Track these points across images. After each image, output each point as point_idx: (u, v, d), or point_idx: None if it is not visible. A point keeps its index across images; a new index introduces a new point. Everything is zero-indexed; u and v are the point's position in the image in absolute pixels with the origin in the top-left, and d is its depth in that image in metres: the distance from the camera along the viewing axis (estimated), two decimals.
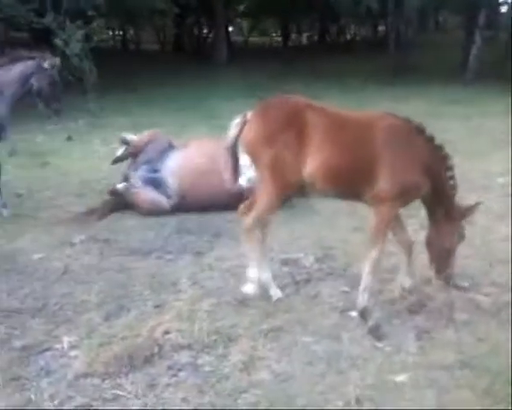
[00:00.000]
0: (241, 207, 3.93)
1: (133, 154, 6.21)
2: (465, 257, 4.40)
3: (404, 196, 3.63)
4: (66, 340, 3.47)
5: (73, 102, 12.84)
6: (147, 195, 5.90)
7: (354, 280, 4.17)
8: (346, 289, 4.10)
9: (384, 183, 3.52)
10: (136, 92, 16.00)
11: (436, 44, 26.41)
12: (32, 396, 2.97)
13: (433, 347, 3.40)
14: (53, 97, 5.77)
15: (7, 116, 5.79)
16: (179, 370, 3.16)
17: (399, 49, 22.16)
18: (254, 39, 47.73)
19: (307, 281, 4.23)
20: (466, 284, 4.15)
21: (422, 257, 4.17)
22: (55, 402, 2.90)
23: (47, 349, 3.39)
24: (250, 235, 3.81)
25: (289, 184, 3.63)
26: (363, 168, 3.54)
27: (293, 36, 45.40)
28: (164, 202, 5.90)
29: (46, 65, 5.66)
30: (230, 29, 46.07)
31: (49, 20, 11.14)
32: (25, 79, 5.66)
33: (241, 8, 40.69)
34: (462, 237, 3.91)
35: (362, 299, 3.62)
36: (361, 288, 3.64)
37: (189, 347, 3.35)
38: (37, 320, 3.70)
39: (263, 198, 3.68)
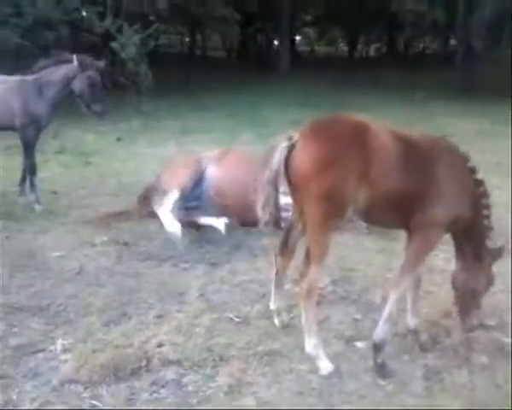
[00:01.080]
0: (300, 269, 3.36)
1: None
2: (495, 292, 4.04)
3: (452, 224, 3.32)
4: (60, 343, 3.44)
5: (128, 104, 13.21)
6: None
7: (368, 308, 3.94)
8: (358, 316, 3.86)
9: (439, 209, 3.22)
10: (192, 97, 16.20)
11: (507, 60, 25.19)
12: (14, 397, 2.95)
13: (441, 390, 3.11)
14: (94, 99, 5.83)
15: (48, 116, 5.94)
16: (162, 386, 3.04)
17: (468, 63, 21.29)
18: (321, 49, 47.58)
19: (318, 303, 3.98)
20: (491, 323, 3.81)
21: (448, 288, 3.88)
22: (33, 405, 2.86)
23: (40, 350, 3.38)
24: (312, 300, 3.20)
25: (343, 215, 3.14)
26: (422, 193, 3.22)
27: (361, 47, 44.84)
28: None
29: (88, 68, 5.74)
30: (297, 38, 46.25)
31: (107, 23, 11.44)
32: (66, 82, 5.80)
33: (309, 17, 40.67)
34: (491, 281, 3.53)
35: (381, 330, 3.26)
36: (383, 317, 3.28)
37: (178, 363, 3.23)
38: (37, 320, 3.71)
39: (317, 240, 3.14)
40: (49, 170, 7.94)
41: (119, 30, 11.75)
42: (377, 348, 3.26)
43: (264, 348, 3.40)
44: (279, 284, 3.67)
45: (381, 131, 3.20)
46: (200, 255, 4.94)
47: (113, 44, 11.50)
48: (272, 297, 3.68)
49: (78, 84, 5.82)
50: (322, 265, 3.22)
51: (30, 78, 5.84)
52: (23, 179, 6.14)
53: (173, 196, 5.34)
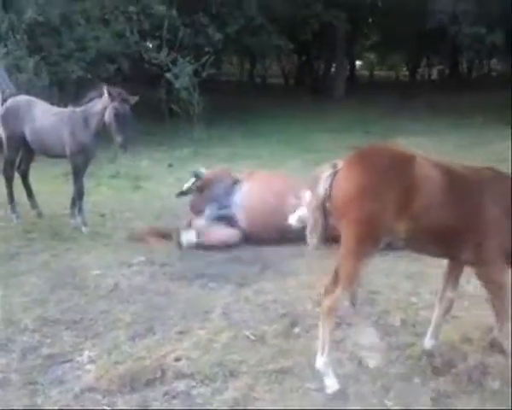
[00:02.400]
0: (325, 286, 3.31)
1: (200, 189, 6.39)
2: None
3: (505, 257, 3.26)
4: (86, 354, 3.69)
5: (182, 132, 13.77)
6: (217, 233, 6.01)
7: (385, 331, 3.94)
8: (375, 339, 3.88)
9: (491, 242, 3.20)
10: (245, 124, 16.60)
11: None
12: (39, 402, 3.21)
13: None
14: (118, 130, 6.05)
15: (93, 145, 6.38)
16: (173, 397, 3.21)
17: None
18: (381, 73, 47.25)
19: (337, 324, 4.05)
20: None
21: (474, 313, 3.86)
22: None
23: (68, 360, 3.64)
24: (331, 319, 3.26)
25: (377, 245, 3.21)
26: (468, 227, 3.21)
27: (422, 70, 44.17)
28: (235, 235, 6.02)
29: (115, 99, 6.04)
30: (358, 63, 46.24)
31: (163, 55, 12.06)
32: (104, 113, 6.17)
33: (369, 42, 40.65)
34: None
35: None
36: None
37: (191, 376, 3.39)
38: (69, 332, 3.99)
39: (348, 265, 3.18)
40: (101, 193, 8.45)
41: (174, 61, 12.32)
42: None
43: (275, 366, 3.49)
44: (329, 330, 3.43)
45: (426, 162, 3.21)
46: (228, 275, 5.11)
47: (168, 75, 12.08)
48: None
49: (106, 115, 6.13)
50: (348, 289, 3.31)
51: (78, 109, 6.32)
52: (73, 203, 6.58)
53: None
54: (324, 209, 3.26)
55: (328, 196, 3.22)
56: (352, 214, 3.11)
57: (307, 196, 5.71)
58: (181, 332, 4.00)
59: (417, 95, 24.20)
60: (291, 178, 6.86)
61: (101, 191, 8.52)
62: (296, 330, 4.01)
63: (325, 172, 3.23)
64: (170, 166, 11.07)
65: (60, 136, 6.32)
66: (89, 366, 3.56)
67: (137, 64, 14.35)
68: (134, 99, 6.21)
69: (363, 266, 3.26)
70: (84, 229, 6.38)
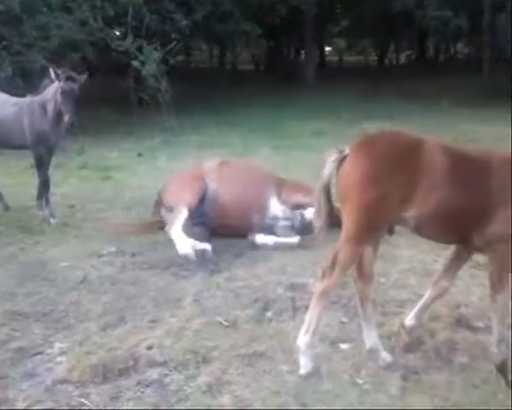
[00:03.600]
0: (323, 269, 3.27)
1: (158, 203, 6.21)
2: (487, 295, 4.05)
3: None
4: (57, 346, 3.65)
5: (150, 120, 13.61)
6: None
7: (354, 312, 3.99)
8: (345, 320, 3.94)
9: (501, 224, 3.15)
10: (216, 112, 16.49)
11: None
12: (11, 396, 3.16)
13: (417, 390, 3.16)
14: (65, 109, 5.89)
15: (54, 133, 6.22)
16: (146, 386, 3.20)
17: (497, 68, 20.99)
18: (350, 59, 47.47)
19: (307, 307, 4.08)
20: (480, 324, 3.83)
21: None
22: (25, 404, 3.06)
23: (39, 353, 3.59)
24: (323, 301, 3.28)
25: (379, 233, 3.23)
26: (479, 210, 3.17)
27: (390, 55, 44.53)
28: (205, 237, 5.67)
29: (62, 80, 5.88)
30: (327, 49, 46.35)
31: (128, 42, 11.87)
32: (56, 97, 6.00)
33: (338, 28, 40.73)
34: None
35: (498, 352, 3.23)
36: (494, 341, 3.25)
37: (164, 364, 3.39)
38: (39, 325, 3.93)
39: (347, 250, 3.16)
40: (70, 185, 8.31)
41: (140, 49, 12.14)
42: (502, 369, 3.24)
43: (248, 350, 3.52)
44: (368, 317, 3.46)
45: (434, 147, 3.17)
46: (200, 264, 5.10)
47: (134, 62, 11.90)
48: (364, 333, 3.49)
49: (55, 94, 6.00)
50: (345, 274, 3.33)
51: (36, 98, 6.18)
52: (40, 195, 6.46)
53: (183, 215, 5.52)
54: (328, 193, 3.27)
55: (334, 181, 3.22)
56: (354, 200, 3.11)
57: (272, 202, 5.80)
58: (153, 321, 3.99)
59: (387, 80, 24.46)
60: (259, 168, 6.80)
61: (70, 183, 8.38)
62: (268, 314, 4.04)
63: (331, 157, 3.23)
64: (139, 155, 10.94)
65: (20, 126, 6.18)
66: (60, 358, 3.52)
67: (103, 52, 14.08)
68: (82, 78, 6.06)
69: (369, 254, 3.28)
70: (52, 221, 6.27)
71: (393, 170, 3.07)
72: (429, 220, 3.16)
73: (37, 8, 12.11)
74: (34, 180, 6.77)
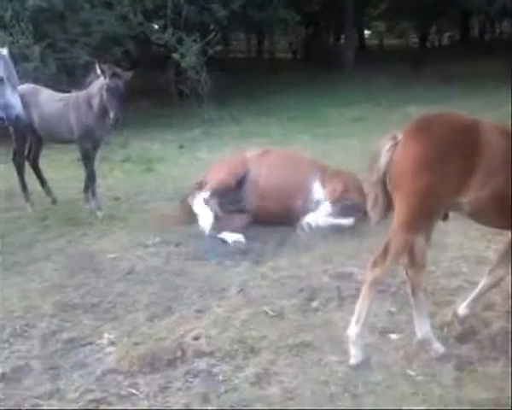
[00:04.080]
0: (374, 257, 3.17)
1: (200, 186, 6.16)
2: None
3: None
4: (106, 336, 3.70)
5: (191, 112, 13.69)
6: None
7: (403, 301, 3.88)
8: (393, 309, 3.84)
9: None
10: (255, 102, 16.43)
11: None
12: (62, 386, 3.22)
13: (471, 381, 3.05)
14: (110, 106, 5.97)
15: (100, 127, 6.31)
16: (195, 376, 3.21)
17: None
18: (391, 42, 46.39)
19: (355, 297, 4.00)
20: None
21: None
22: (76, 394, 3.12)
23: (89, 343, 3.65)
24: (373, 289, 3.20)
25: (438, 213, 3.10)
26: None
27: (432, 37, 43.30)
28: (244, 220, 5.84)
29: (107, 77, 5.94)
30: (366, 32, 45.45)
31: (168, 35, 11.93)
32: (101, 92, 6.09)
33: (377, 11, 39.87)
34: None
35: None
36: None
37: (211, 354, 3.39)
38: (88, 316, 4.00)
39: (399, 238, 3.07)
40: (114, 177, 8.44)
41: (180, 41, 12.19)
42: None
43: (295, 340, 3.48)
44: (420, 306, 3.35)
45: (491, 129, 3.05)
46: (244, 253, 5.09)
47: (174, 55, 11.97)
48: (416, 323, 3.38)
49: (100, 91, 6.07)
50: (396, 262, 3.24)
51: (82, 93, 6.29)
52: (86, 187, 6.58)
53: (206, 193, 5.72)
54: (385, 185, 3.16)
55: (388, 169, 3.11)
56: (407, 187, 3.01)
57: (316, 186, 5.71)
58: (199, 311, 4.00)
59: (429, 62, 23.77)
60: (302, 155, 6.70)
61: (115, 175, 8.52)
62: (314, 304, 3.99)
63: (385, 145, 3.12)
64: (181, 147, 11.02)
65: (66, 121, 6.32)
66: (109, 349, 3.57)
67: (144, 46, 14.22)
68: (127, 75, 6.13)
69: (421, 242, 3.17)
70: (98, 213, 6.37)
71: (449, 154, 2.94)
72: (487, 205, 3.03)
73: (79, 5, 12.33)
74: (80, 174, 6.93)
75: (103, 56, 13.05)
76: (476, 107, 13.07)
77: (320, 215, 5.53)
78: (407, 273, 3.33)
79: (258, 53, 37.03)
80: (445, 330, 3.56)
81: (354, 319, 3.22)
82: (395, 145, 3.09)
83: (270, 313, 3.86)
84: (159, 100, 16.13)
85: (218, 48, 13.82)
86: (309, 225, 5.47)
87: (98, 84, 6.09)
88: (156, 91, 17.32)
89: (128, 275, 4.70)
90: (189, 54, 11.82)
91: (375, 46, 42.81)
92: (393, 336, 3.52)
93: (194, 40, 12.06)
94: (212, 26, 14.07)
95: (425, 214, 3.06)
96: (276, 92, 17.97)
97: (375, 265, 3.20)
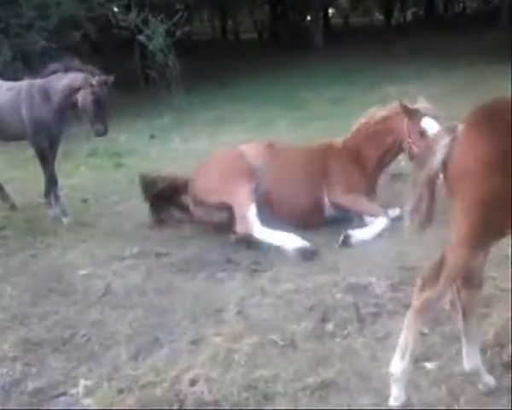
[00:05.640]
0: (423, 277, 2.58)
1: None
2: None
3: None
4: (82, 383, 3.03)
5: (160, 98, 12.84)
6: None
7: (435, 319, 3.32)
8: (425, 330, 3.26)
9: None
10: (225, 86, 15.68)
11: None
12: None
13: None
14: (97, 118, 5.31)
15: (56, 124, 5.54)
16: None
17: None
18: (355, 20, 45.96)
19: (376, 316, 3.44)
20: None
21: None
22: None
23: (61, 394, 2.97)
24: (422, 317, 2.60)
25: (501, 234, 2.51)
26: None
27: (397, 14, 43.08)
28: None
29: (94, 82, 5.24)
30: (330, 11, 44.79)
31: (132, 16, 11.05)
32: (69, 92, 5.36)
33: None
34: None
35: None
36: None
37: (216, 404, 2.76)
38: (58, 356, 3.30)
39: (458, 256, 2.48)
40: (80, 175, 7.66)
41: (145, 22, 11.32)
42: None
43: (316, 379, 2.86)
44: (471, 333, 2.79)
45: None
46: (237, 262, 4.46)
47: (140, 37, 11.10)
48: (464, 352, 2.82)
49: (82, 99, 5.33)
50: (452, 285, 2.65)
51: (37, 82, 5.47)
52: (48, 192, 5.78)
53: (253, 211, 4.61)
54: (434, 189, 2.55)
55: (444, 169, 2.49)
56: (472, 194, 2.37)
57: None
58: (193, 342, 3.35)
59: (396, 39, 23.39)
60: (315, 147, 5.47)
61: (81, 172, 7.73)
62: (329, 327, 3.38)
63: (442, 140, 2.49)
64: (152, 137, 10.25)
65: (17, 114, 5.47)
66: (87, 400, 2.90)
67: (106, 29, 13.25)
68: (110, 79, 5.41)
69: (481, 258, 2.58)
70: (64, 219, 5.61)
71: None
72: None
73: None
74: (41, 172, 6.14)
75: (61, 41, 12.14)
76: (460, 83, 12.75)
77: (373, 231, 4.73)
78: (459, 295, 2.75)
79: (223, 34, 36.11)
80: (489, 353, 3.02)
81: (398, 353, 2.62)
82: (454, 140, 2.47)
83: (280, 342, 3.24)
84: (124, 86, 15.15)
85: (186, 28, 12.92)
86: (363, 240, 4.64)
87: (66, 79, 5.32)
88: (121, 77, 16.34)
89: (103, 297, 4.00)
90: (156, 36, 10.94)
91: (340, 25, 42.36)
92: (430, 366, 2.96)
93: (161, 20, 11.17)
94: (177, 6, 13.23)
95: (494, 228, 2.43)
96: (246, 75, 17.25)
97: (423, 288, 2.58)
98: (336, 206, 5.00)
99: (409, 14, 42.96)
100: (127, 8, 12.68)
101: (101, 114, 5.32)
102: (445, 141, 2.46)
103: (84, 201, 6.38)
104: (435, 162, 2.48)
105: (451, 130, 2.48)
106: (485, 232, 2.42)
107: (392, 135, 4.95)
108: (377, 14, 46.10)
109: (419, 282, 2.60)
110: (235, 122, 10.75)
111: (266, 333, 3.33)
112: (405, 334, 2.60)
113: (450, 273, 2.49)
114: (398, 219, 4.69)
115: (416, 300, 2.58)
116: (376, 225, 4.72)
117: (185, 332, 3.47)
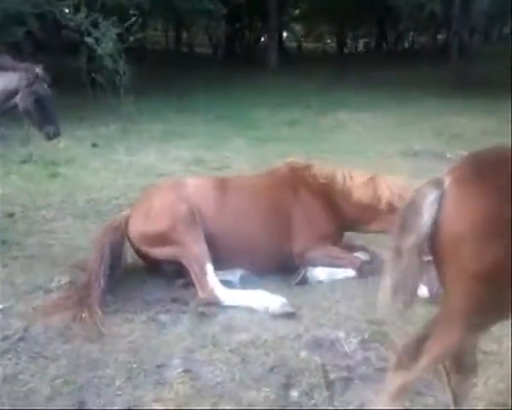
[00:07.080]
0: (399, 355, 2.16)
1: None
2: None
3: None
4: None
5: (107, 106, 12.05)
6: None
7: (417, 391, 2.85)
8: (407, 403, 2.78)
9: None
10: (176, 97, 15.06)
11: (501, 55, 24.19)
12: None
13: None
14: (44, 119, 4.67)
15: None
16: None
17: (461, 58, 20.57)
18: (308, 45, 46.53)
19: (347, 381, 2.93)
20: None
21: None
22: None
23: None
24: (398, 402, 2.15)
25: (505, 310, 2.03)
26: None
27: (349, 42, 43.96)
28: None
29: (35, 81, 4.59)
30: (284, 34, 45.16)
31: (81, 16, 10.30)
32: (7, 95, 4.65)
33: (296, 12, 39.63)
34: None
35: None
36: None
37: None
38: None
39: (450, 332, 2.04)
40: (10, 184, 6.81)
41: (95, 24, 10.59)
42: None
43: None
44: None
45: None
46: (183, 302, 3.85)
47: (88, 39, 10.35)
48: None
49: (23, 101, 4.65)
50: (436, 366, 2.24)
51: None
52: None
53: (211, 275, 3.87)
54: (422, 252, 2.06)
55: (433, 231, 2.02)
56: (469, 264, 1.92)
57: None
58: None
59: (348, 68, 23.62)
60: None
61: (11, 181, 6.87)
62: (294, 394, 2.85)
63: (429, 195, 2.03)
64: (94, 146, 9.46)
65: None
66: None
67: (52, 28, 12.38)
68: (41, 73, 4.72)
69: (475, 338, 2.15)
70: None
71: None
72: None
73: None
74: None
75: (3, 37, 11.24)
76: (411, 116, 12.80)
77: (337, 275, 4.20)
78: (448, 379, 2.28)
79: (176, 45, 35.43)
80: None
81: None
82: (443, 196, 2.01)
83: None
84: (67, 89, 14.25)
85: (139, 35, 12.25)
86: (305, 279, 4.13)
87: (1, 82, 4.61)
88: (65, 79, 15.37)
89: (19, 343, 3.30)
90: (106, 39, 10.22)
91: (294, 48, 42.75)
92: None
93: (112, 24, 10.47)
94: (131, 11, 12.57)
95: (494, 302, 1.96)
96: (199, 89, 16.68)
97: (399, 366, 2.12)
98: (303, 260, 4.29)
99: (360, 44, 43.86)
100: (77, 9, 11.92)
101: (48, 113, 4.68)
102: (432, 197, 2.00)
103: (11, 215, 5.58)
104: (423, 225, 2.00)
105: (437, 184, 2.02)
106: (486, 309, 1.96)
107: None
108: (329, 41, 46.90)
109: (394, 359, 2.12)
110: (185, 136, 10.16)
111: (218, 401, 2.75)
112: None
113: (434, 355, 2.03)
114: (366, 262, 4.28)
115: (391, 383, 2.10)
116: (343, 272, 4.23)
117: (118, 394, 2.84)
